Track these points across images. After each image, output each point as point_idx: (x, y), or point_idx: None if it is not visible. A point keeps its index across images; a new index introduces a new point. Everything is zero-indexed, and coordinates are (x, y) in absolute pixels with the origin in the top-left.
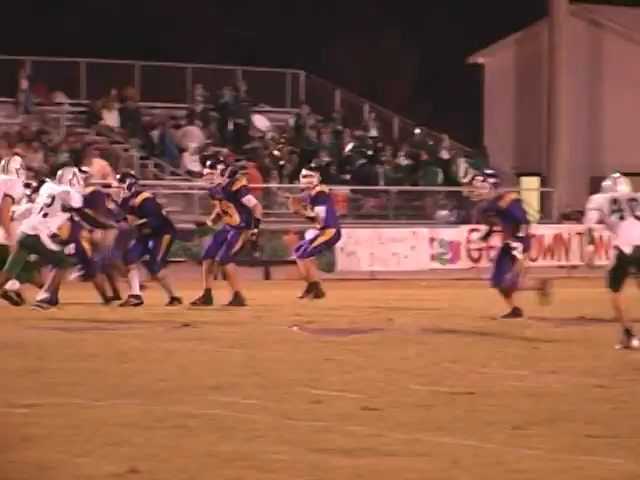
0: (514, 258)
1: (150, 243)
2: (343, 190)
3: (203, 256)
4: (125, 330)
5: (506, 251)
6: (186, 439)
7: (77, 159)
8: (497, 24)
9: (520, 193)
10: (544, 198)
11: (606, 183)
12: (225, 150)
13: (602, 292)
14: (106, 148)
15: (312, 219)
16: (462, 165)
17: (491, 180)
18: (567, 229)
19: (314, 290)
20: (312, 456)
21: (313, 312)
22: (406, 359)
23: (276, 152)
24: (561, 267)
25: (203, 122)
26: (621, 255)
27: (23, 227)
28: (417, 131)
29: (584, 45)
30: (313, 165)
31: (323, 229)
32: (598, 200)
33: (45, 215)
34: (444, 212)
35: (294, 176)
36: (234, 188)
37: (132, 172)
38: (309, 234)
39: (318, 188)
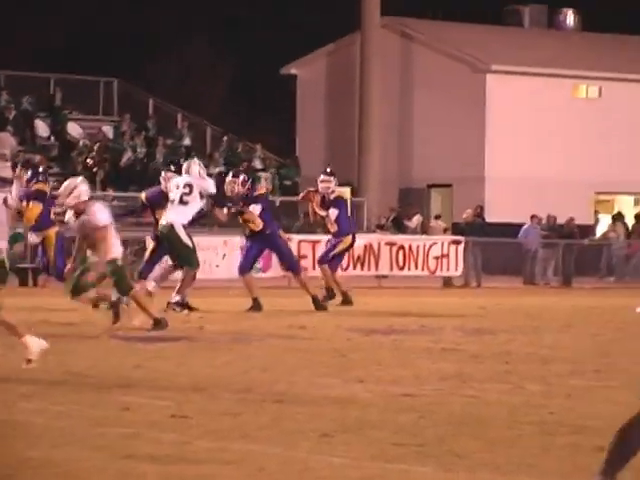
0: None
1: None
2: None
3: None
4: None
5: None
6: None
7: None
8: (310, 36)
9: None
10: (355, 208)
11: None
12: (38, 157)
13: (412, 302)
14: None
15: (323, 218)
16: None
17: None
18: (377, 239)
19: (332, 296)
20: (120, 462)
21: (124, 319)
22: (216, 367)
23: (88, 160)
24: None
25: (15, 129)
26: None
27: None
28: (225, 138)
29: (395, 57)
30: (329, 170)
31: (340, 237)
32: None
33: None
34: None
35: (106, 183)
36: (255, 194)
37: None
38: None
39: (336, 193)
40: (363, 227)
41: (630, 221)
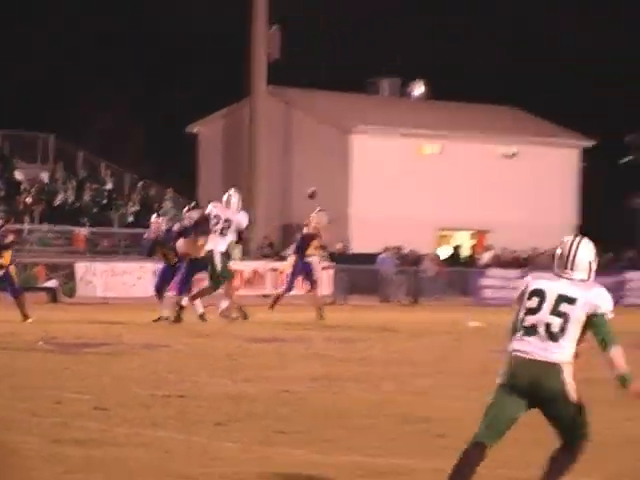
0: None
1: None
2: (83, 231)
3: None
4: None
5: None
6: None
7: None
8: (210, 100)
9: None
10: (245, 241)
11: None
12: None
13: (291, 316)
14: None
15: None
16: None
17: None
18: (263, 265)
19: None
20: (53, 446)
21: (57, 329)
22: (131, 369)
23: (27, 199)
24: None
25: None
26: None
27: None
28: (139, 184)
29: (278, 121)
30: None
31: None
32: None
33: None
34: None
35: (42, 219)
36: None
37: None
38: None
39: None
40: (251, 255)
41: (466, 252)
